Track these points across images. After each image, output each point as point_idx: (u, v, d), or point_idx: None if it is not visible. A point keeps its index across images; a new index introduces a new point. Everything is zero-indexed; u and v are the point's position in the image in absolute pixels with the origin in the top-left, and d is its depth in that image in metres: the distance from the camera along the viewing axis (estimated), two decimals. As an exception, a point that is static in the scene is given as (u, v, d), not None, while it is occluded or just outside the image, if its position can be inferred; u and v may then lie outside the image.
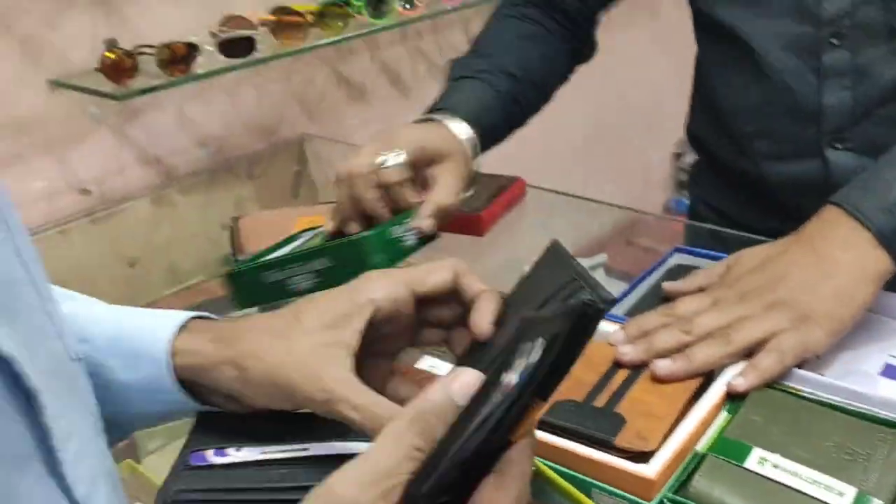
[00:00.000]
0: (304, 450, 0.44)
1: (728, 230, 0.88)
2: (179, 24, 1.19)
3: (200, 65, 1.10)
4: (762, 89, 0.80)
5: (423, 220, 0.70)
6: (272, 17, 1.21)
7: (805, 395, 0.56)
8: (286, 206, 1.32)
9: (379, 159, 0.70)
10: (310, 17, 1.21)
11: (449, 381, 0.35)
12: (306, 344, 0.44)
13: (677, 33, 2.33)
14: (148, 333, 0.48)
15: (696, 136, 0.95)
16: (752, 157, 0.84)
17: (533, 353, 0.32)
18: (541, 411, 0.35)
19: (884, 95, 0.74)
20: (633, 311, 0.67)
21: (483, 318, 0.44)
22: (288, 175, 1.39)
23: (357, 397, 0.42)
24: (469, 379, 0.35)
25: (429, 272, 0.47)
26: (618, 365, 0.58)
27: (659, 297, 0.69)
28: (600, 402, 0.55)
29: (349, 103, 1.52)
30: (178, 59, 1.06)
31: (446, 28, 1.66)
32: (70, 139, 1.14)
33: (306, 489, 0.34)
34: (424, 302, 0.48)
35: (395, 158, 0.70)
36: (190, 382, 0.47)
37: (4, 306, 0.33)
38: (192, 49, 1.08)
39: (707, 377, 0.57)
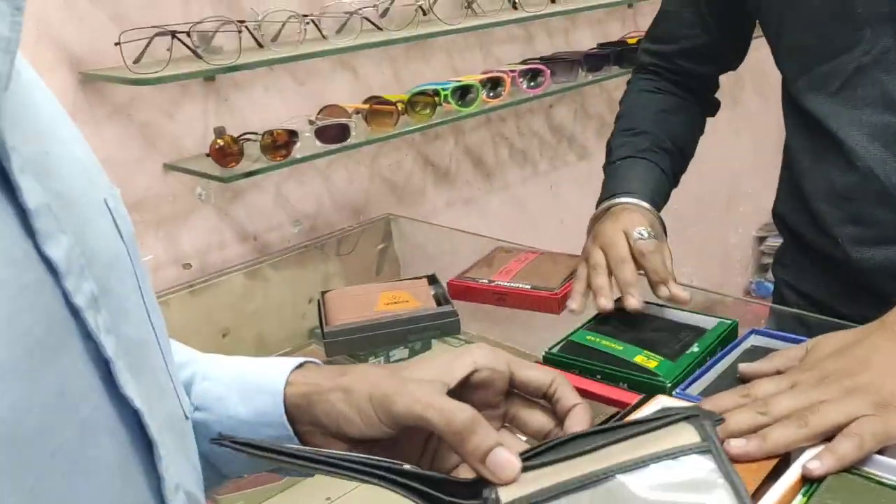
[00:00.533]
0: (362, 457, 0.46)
1: (813, 314, 0.88)
2: (281, 113, 1.29)
3: (299, 149, 1.18)
4: (849, 176, 0.81)
5: (630, 300, 0.81)
6: (365, 106, 1.30)
7: (885, 481, 0.56)
8: (370, 282, 1.38)
9: (634, 234, 0.84)
10: (400, 106, 1.29)
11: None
12: (409, 379, 0.49)
13: (757, 120, 2.35)
14: (268, 370, 0.53)
15: (782, 217, 0.96)
16: (840, 241, 0.85)
17: None
18: None
19: None
20: (709, 392, 0.69)
21: (580, 428, 0.48)
22: (373, 253, 1.45)
23: (434, 398, 0.46)
24: None
25: (531, 366, 0.52)
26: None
27: (735, 379, 0.70)
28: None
29: (434, 185, 1.59)
30: (280, 144, 1.15)
31: (527, 113, 1.73)
32: (178, 217, 1.23)
33: (345, 467, 0.38)
34: (517, 399, 0.52)
35: (645, 232, 0.84)
36: (296, 416, 0.51)
37: (137, 365, 0.38)
38: (291, 135, 1.16)
39: (784, 460, 0.58)
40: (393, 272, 1.43)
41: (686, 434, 0.41)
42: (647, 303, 0.84)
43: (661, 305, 0.84)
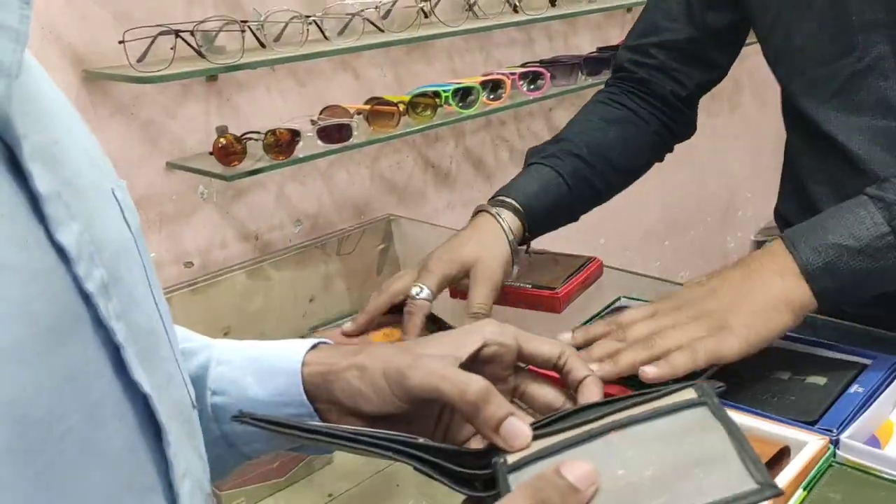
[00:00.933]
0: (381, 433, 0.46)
1: (817, 316, 0.88)
2: (283, 113, 1.30)
3: (301, 149, 1.19)
4: (852, 180, 0.81)
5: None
6: (367, 107, 1.30)
7: (885, 476, 0.56)
8: (370, 283, 1.39)
9: (413, 290, 0.81)
10: (401, 107, 1.30)
11: (570, 468, 0.39)
12: (422, 354, 0.50)
13: (755, 125, 2.36)
14: (283, 352, 0.53)
15: (785, 217, 0.96)
16: None
17: None
18: None
19: None
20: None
21: (593, 400, 0.49)
22: (373, 253, 1.45)
23: (447, 371, 0.47)
24: (586, 471, 0.39)
25: (540, 339, 0.53)
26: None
27: (733, 377, 0.70)
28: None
29: (434, 187, 1.60)
30: (282, 144, 1.16)
31: (527, 117, 1.74)
32: (180, 216, 1.24)
33: (364, 441, 0.40)
34: (526, 375, 0.53)
35: (422, 293, 0.81)
36: (314, 395, 0.52)
37: (146, 353, 0.38)
38: (294, 135, 1.17)
39: (783, 451, 0.59)
40: (394, 272, 1.43)
41: (686, 394, 0.42)
42: (648, 302, 0.84)
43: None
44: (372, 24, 1.29)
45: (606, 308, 0.89)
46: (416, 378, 0.47)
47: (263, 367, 0.53)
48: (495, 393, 0.46)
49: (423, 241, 1.48)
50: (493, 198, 0.91)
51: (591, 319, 0.87)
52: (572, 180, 0.91)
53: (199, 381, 0.54)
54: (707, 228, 2.33)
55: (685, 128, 1.01)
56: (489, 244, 0.85)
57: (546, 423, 0.46)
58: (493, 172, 1.71)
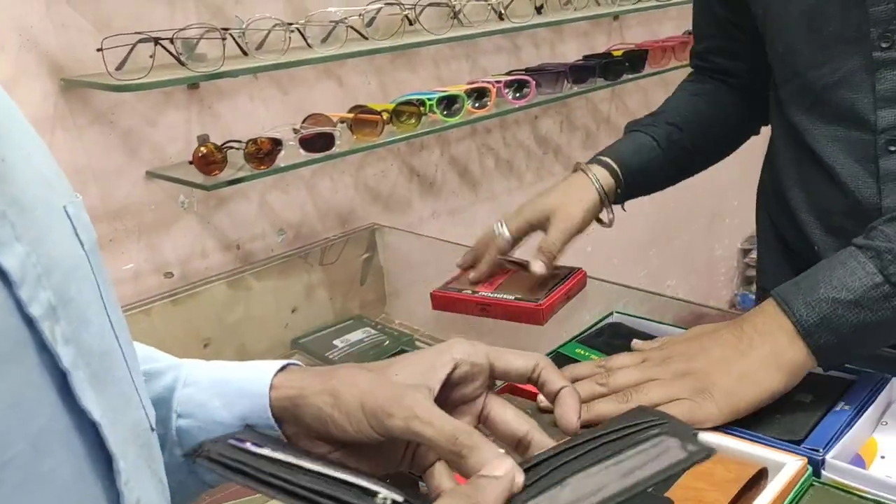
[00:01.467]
0: (338, 472, 0.44)
1: None
2: (265, 122, 1.29)
3: (283, 158, 1.17)
4: (826, 188, 0.82)
5: (534, 263, 0.88)
6: (350, 115, 1.29)
7: (871, 497, 0.56)
8: (353, 293, 1.37)
9: (494, 228, 0.91)
10: (385, 116, 1.29)
11: (513, 466, 0.39)
12: (395, 381, 0.49)
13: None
14: (251, 374, 0.52)
15: (765, 220, 0.98)
16: (818, 250, 0.86)
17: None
18: None
19: None
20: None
21: (569, 413, 0.49)
22: (357, 262, 1.44)
23: (432, 414, 0.45)
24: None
25: (512, 354, 0.52)
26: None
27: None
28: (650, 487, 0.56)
29: (419, 195, 1.59)
30: (264, 152, 1.14)
31: (513, 125, 1.73)
32: (159, 225, 1.22)
33: (325, 497, 0.38)
34: (494, 401, 0.52)
35: (501, 230, 0.91)
36: (281, 418, 0.50)
37: (98, 376, 0.37)
38: (276, 144, 1.16)
39: (761, 472, 0.58)
40: (377, 282, 1.42)
41: (672, 453, 0.41)
42: (641, 318, 0.84)
43: (659, 322, 0.84)
44: (356, 31, 1.28)
45: (599, 322, 0.88)
46: (399, 418, 0.45)
47: (230, 389, 0.52)
48: (479, 437, 0.44)
49: (408, 251, 1.47)
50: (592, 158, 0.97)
51: (584, 332, 0.87)
52: (665, 143, 0.96)
53: (164, 404, 0.52)
54: (693, 237, 2.33)
55: (760, 120, 1.04)
56: (573, 192, 0.91)
57: (528, 467, 0.44)
58: (478, 181, 1.70)
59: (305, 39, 1.23)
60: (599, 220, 0.96)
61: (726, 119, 1.02)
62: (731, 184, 2.36)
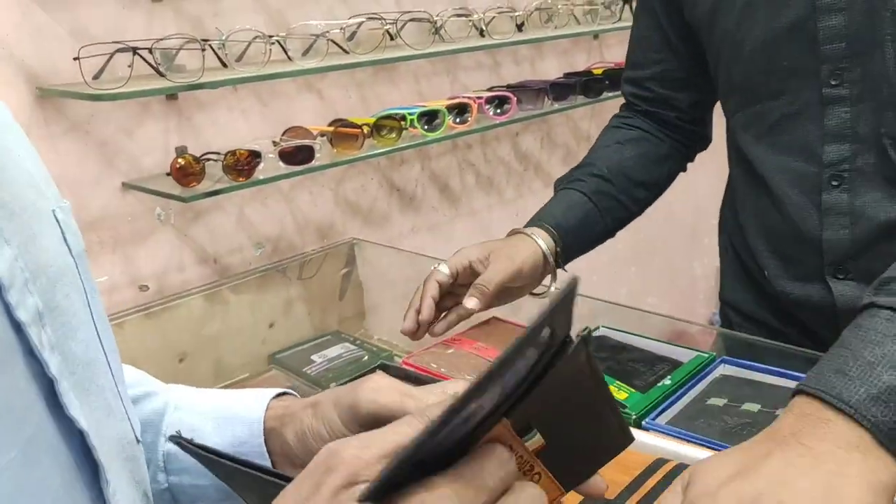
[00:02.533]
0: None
1: (761, 339, 0.90)
2: (245, 134, 1.28)
3: (262, 171, 1.16)
4: (773, 215, 0.85)
5: (468, 300, 0.86)
6: (330, 129, 1.28)
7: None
8: (332, 307, 1.36)
9: (436, 267, 0.91)
10: (366, 129, 1.28)
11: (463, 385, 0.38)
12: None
13: (721, 151, 2.38)
14: (246, 399, 0.51)
15: (728, 246, 0.99)
16: (767, 274, 0.88)
17: (510, 374, 0.33)
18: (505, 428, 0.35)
19: (880, 234, 0.77)
20: (678, 421, 0.68)
21: None
22: (336, 277, 1.43)
23: (402, 386, 0.45)
24: None
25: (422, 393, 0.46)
26: (651, 471, 0.59)
27: (703, 408, 0.69)
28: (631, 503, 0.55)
29: (399, 210, 1.58)
30: (242, 165, 1.13)
31: (494, 140, 1.73)
32: (135, 237, 1.20)
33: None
34: None
35: (440, 267, 0.91)
36: (270, 441, 0.49)
37: (83, 384, 0.36)
38: (254, 156, 1.14)
39: None
40: (356, 297, 1.41)
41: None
42: (626, 333, 0.84)
43: (641, 336, 0.84)
44: (336, 45, 1.28)
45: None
46: (363, 394, 0.45)
47: (225, 413, 0.51)
48: (437, 400, 0.43)
49: (388, 266, 1.46)
50: (528, 224, 0.97)
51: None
52: (596, 197, 0.97)
53: (152, 427, 0.51)
54: (674, 254, 2.34)
55: (700, 142, 1.05)
56: (516, 242, 0.92)
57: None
58: (458, 196, 1.69)
59: (286, 52, 1.22)
60: (535, 292, 0.95)
61: (655, 163, 1.02)
62: (710, 203, 2.38)
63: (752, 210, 0.88)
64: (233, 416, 0.50)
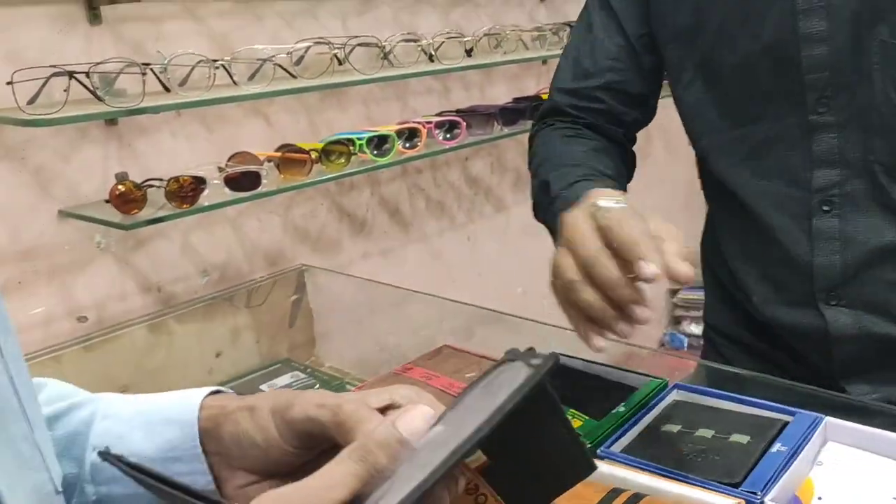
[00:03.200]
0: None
1: (740, 370, 0.87)
2: (189, 160, 1.24)
3: (207, 197, 1.13)
4: (759, 241, 0.82)
5: (679, 266, 0.58)
6: (277, 154, 1.26)
7: None
8: (283, 336, 1.33)
9: (601, 205, 0.60)
10: (314, 155, 1.26)
11: (397, 416, 0.38)
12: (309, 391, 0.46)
13: (666, 175, 2.42)
14: (177, 400, 0.48)
15: (712, 270, 0.96)
16: (753, 299, 0.86)
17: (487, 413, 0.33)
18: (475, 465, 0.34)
19: (872, 259, 0.76)
20: (633, 448, 0.67)
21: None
22: (286, 304, 1.40)
23: (324, 397, 0.43)
24: (416, 415, 0.37)
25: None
26: (607, 501, 0.58)
27: (658, 434, 0.68)
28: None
29: (349, 236, 1.56)
30: (186, 191, 1.10)
31: (444, 165, 1.73)
32: (74, 267, 1.16)
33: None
34: None
35: (612, 201, 0.62)
36: (205, 442, 0.47)
37: None
38: (199, 182, 1.11)
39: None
40: (306, 324, 1.38)
41: (520, 372, 0.37)
42: (578, 359, 0.82)
43: (593, 362, 0.82)
44: (284, 69, 1.26)
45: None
46: (297, 406, 0.43)
47: (155, 418, 0.48)
48: (371, 411, 0.42)
49: (339, 292, 1.44)
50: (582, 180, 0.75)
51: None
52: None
53: (80, 438, 0.48)
54: (622, 276, 2.36)
55: (633, 161, 0.95)
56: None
57: None
58: (409, 221, 1.68)
59: (231, 76, 1.20)
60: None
61: (627, 178, 0.91)
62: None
63: (738, 238, 0.85)
64: (164, 420, 0.47)
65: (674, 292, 2.47)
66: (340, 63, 1.34)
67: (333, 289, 1.44)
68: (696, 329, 2.38)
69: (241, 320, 1.32)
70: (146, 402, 0.50)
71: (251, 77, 1.23)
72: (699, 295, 1.31)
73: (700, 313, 1.08)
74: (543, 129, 0.93)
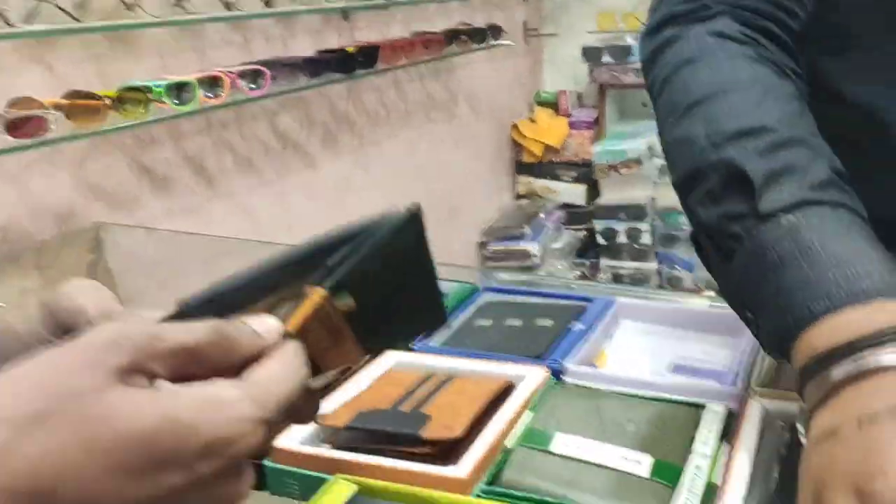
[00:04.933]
0: None
1: None
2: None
3: (-17, 144, 1.03)
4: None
5: None
6: (66, 102, 1.17)
7: (604, 390, 0.60)
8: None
9: None
10: (108, 101, 1.19)
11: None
12: None
13: (472, 133, 2.51)
14: None
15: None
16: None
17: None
18: (319, 299, 0.35)
19: None
20: (450, 342, 0.71)
21: None
22: (81, 265, 1.31)
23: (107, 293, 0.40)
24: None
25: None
26: (422, 380, 0.61)
27: (472, 330, 0.72)
28: (406, 408, 0.56)
29: (151, 192, 1.48)
30: (-43, 136, 1.00)
31: (250, 120, 1.69)
32: None
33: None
34: None
35: None
36: None
37: None
38: (-28, 128, 1.02)
39: (508, 387, 0.61)
40: (107, 286, 1.30)
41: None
42: None
43: None
44: (64, 11, 1.17)
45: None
46: (63, 290, 0.39)
47: None
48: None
49: (142, 250, 1.36)
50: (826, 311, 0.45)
51: None
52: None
53: None
54: (433, 232, 2.43)
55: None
56: None
57: None
58: (215, 177, 1.62)
59: (3, 16, 1.09)
60: None
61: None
62: (465, 182, 2.50)
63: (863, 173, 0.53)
64: None
65: (483, 245, 2.57)
66: (128, 8, 1.26)
67: (136, 247, 1.36)
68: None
69: (31, 283, 1.22)
70: None
71: (27, 19, 1.13)
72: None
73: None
74: (699, 34, 0.60)
